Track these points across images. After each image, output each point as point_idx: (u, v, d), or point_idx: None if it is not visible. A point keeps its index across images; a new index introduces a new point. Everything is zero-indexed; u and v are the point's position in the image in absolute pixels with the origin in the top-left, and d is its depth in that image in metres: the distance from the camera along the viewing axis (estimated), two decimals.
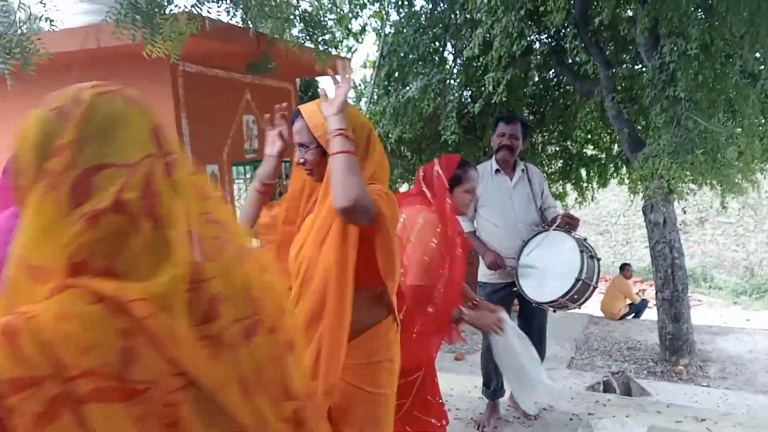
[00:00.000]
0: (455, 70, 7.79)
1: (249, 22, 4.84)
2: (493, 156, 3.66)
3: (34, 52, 3.69)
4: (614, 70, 6.42)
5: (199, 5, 4.30)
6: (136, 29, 3.65)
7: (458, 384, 4.27)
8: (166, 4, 4.06)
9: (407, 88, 7.54)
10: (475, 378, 4.35)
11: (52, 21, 3.85)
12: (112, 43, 4.33)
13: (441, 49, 7.81)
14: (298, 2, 5.53)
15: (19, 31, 3.68)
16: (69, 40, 4.57)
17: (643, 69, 6.22)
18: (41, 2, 3.79)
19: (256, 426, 0.87)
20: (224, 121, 5.53)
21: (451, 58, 8.00)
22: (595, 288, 3.34)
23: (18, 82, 4.17)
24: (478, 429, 3.56)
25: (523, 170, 3.62)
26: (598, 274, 3.38)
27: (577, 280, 3.20)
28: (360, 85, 9.50)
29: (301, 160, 1.87)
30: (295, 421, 0.94)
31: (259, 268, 0.93)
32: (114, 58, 4.89)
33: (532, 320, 3.64)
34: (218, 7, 4.58)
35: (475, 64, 7.40)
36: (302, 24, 5.69)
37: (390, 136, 7.98)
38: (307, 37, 5.79)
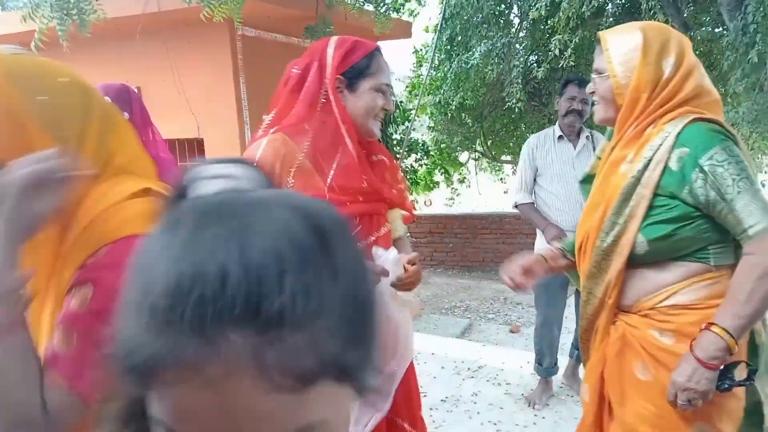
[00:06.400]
0: (521, 34, 7.50)
1: None
2: (557, 122, 3.48)
3: (91, 13, 3.73)
4: (692, 33, 6.01)
5: None
6: None
7: (510, 358, 4.17)
8: None
9: (470, 52, 7.31)
10: (529, 353, 4.25)
11: None
12: (172, 7, 4.36)
13: (506, 11, 7.52)
14: None
15: None
16: (131, 4, 4.62)
17: (724, 32, 5.79)
18: None
19: None
20: None
21: (516, 21, 7.71)
22: None
23: (81, 47, 4.25)
24: (528, 406, 3.47)
25: (588, 137, 3.41)
26: None
27: None
28: (421, 50, 9.30)
29: None
30: None
31: None
32: (174, 23, 4.93)
33: None
34: None
35: (542, 27, 7.09)
36: None
37: (451, 102, 7.82)
38: (367, 0, 5.67)
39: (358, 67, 1.61)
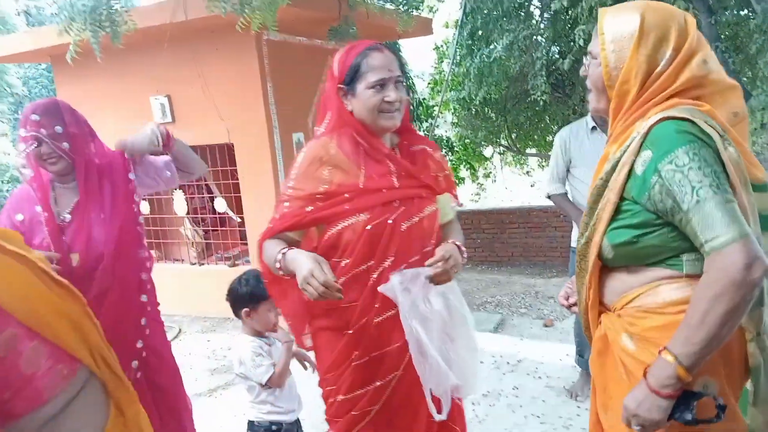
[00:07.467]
0: (542, 25, 7.46)
1: None
2: (588, 113, 3.46)
3: (121, 25, 3.82)
4: (717, 17, 5.92)
5: None
6: (227, 1, 3.70)
7: (549, 351, 4.16)
8: None
9: (492, 46, 7.29)
10: (566, 346, 4.23)
11: None
12: (199, 15, 4.43)
13: (527, 3, 7.49)
14: None
15: (108, 6, 3.81)
16: (158, 14, 4.69)
17: (750, 14, 5.70)
18: None
19: None
20: (309, 89, 5.55)
21: (537, 12, 7.67)
22: None
23: (110, 57, 4.32)
24: (571, 398, 3.46)
25: None
26: None
27: None
28: (442, 46, 9.29)
29: None
30: None
31: None
32: (199, 31, 5.00)
33: None
34: None
35: (563, 18, 7.04)
36: None
37: (474, 97, 7.81)
38: None
39: (352, 72, 1.73)
